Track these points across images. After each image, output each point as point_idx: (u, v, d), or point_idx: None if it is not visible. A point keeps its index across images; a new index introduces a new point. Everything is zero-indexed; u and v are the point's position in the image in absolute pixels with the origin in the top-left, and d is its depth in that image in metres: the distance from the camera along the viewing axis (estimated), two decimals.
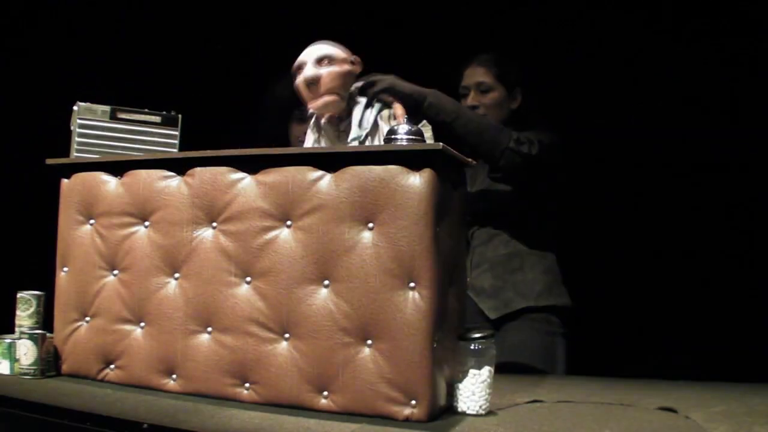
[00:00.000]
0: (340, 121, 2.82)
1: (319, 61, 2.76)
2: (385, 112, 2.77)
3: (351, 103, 2.81)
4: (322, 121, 2.85)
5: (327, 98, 2.74)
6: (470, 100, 3.29)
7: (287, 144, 3.77)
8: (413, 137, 2.29)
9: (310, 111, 2.85)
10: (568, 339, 3.19)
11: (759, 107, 3.50)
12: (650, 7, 3.71)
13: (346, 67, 2.78)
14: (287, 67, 2.85)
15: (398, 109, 2.74)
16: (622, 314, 3.58)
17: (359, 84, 2.86)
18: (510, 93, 3.30)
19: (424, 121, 2.77)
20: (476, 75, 3.31)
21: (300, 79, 2.79)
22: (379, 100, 2.80)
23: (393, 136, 2.30)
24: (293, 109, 3.70)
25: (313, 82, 2.75)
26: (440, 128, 2.84)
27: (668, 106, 3.70)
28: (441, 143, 2.15)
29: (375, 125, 2.74)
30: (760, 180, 3.47)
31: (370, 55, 2.82)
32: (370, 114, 2.76)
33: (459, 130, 2.93)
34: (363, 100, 2.80)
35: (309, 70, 2.76)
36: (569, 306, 3.21)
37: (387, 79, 2.86)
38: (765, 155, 3.47)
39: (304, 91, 2.79)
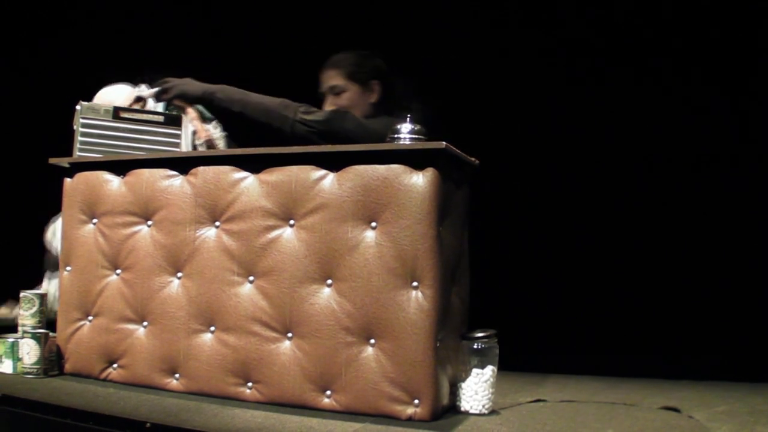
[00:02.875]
0: None
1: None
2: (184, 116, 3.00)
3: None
4: None
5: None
6: (328, 104, 3.35)
7: None
8: (416, 136, 2.28)
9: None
10: None
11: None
12: None
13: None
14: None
15: (190, 113, 2.99)
16: (624, 313, 3.57)
17: (153, 91, 3.04)
18: (365, 88, 3.30)
19: (215, 122, 3.05)
20: (329, 79, 3.35)
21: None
22: (174, 106, 3.02)
23: (396, 135, 2.30)
24: None
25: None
26: (230, 119, 3.05)
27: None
28: (444, 142, 2.15)
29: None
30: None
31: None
32: None
33: (250, 117, 3.03)
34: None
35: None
36: None
37: (178, 85, 3.03)
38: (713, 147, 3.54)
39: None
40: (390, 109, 3.23)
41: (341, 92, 3.26)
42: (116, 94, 3.10)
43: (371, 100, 3.29)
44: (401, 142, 2.28)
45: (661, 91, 3.60)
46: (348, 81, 3.27)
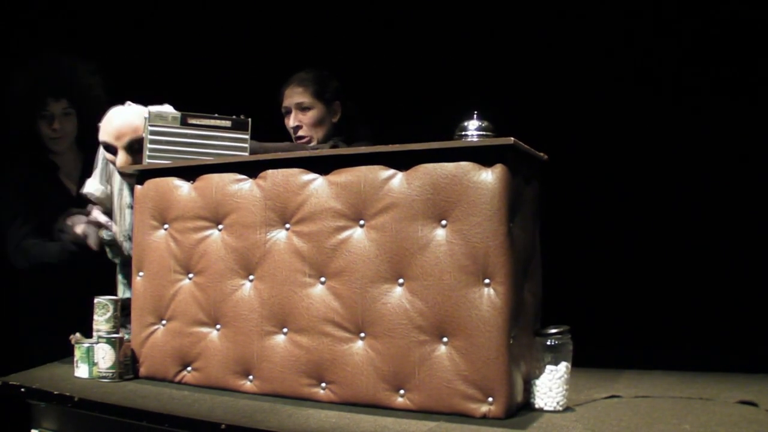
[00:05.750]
0: None
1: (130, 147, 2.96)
2: None
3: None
4: None
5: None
6: (292, 120, 3.49)
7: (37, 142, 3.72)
8: (484, 133, 2.28)
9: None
10: None
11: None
12: None
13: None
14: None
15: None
16: (697, 306, 3.53)
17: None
18: (329, 108, 3.49)
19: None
20: (295, 95, 3.49)
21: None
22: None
23: (463, 132, 2.30)
24: (37, 106, 3.65)
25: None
26: None
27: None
28: (512, 138, 2.14)
29: None
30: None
31: None
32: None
33: None
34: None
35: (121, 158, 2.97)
36: None
37: None
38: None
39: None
40: (347, 131, 3.46)
41: (308, 109, 3.45)
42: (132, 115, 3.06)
43: (334, 120, 3.50)
44: (469, 139, 2.28)
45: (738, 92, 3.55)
46: (315, 99, 3.46)
